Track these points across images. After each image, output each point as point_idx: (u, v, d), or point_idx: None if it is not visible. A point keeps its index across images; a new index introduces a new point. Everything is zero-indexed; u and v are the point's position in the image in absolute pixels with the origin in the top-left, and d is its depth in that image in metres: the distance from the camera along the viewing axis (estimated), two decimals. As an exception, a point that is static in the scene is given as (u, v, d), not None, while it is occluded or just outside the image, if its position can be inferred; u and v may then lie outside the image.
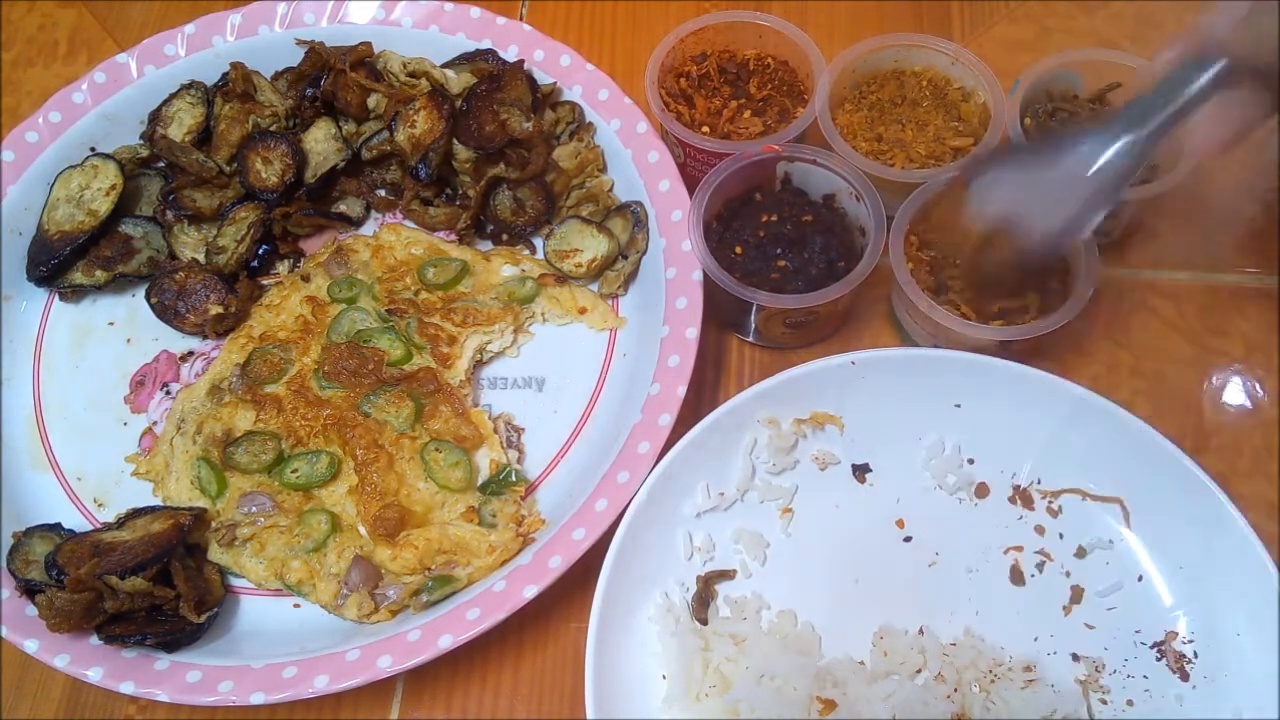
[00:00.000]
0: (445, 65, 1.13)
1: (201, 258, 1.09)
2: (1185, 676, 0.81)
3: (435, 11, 1.16)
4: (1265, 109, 0.75)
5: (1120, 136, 0.79)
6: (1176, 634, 0.83)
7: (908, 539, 0.88)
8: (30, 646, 0.87)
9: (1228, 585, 0.81)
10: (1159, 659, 0.82)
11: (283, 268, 1.11)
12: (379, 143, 1.11)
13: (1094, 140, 0.80)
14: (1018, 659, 0.82)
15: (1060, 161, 0.81)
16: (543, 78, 1.12)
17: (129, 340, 1.09)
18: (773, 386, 0.89)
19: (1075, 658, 0.83)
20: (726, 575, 0.87)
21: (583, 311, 1.04)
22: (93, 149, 1.14)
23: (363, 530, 0.93)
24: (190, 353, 1.08)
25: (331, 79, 1.13)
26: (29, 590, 0.89)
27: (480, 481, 0.95)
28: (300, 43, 1.16)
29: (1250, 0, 0.72)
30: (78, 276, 1.08)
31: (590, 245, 1.05)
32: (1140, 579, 0.85)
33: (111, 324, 1.10)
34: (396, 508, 0.92)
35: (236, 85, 1.13)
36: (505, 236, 1.10)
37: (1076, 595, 0.85)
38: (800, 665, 0.81)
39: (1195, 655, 0.82)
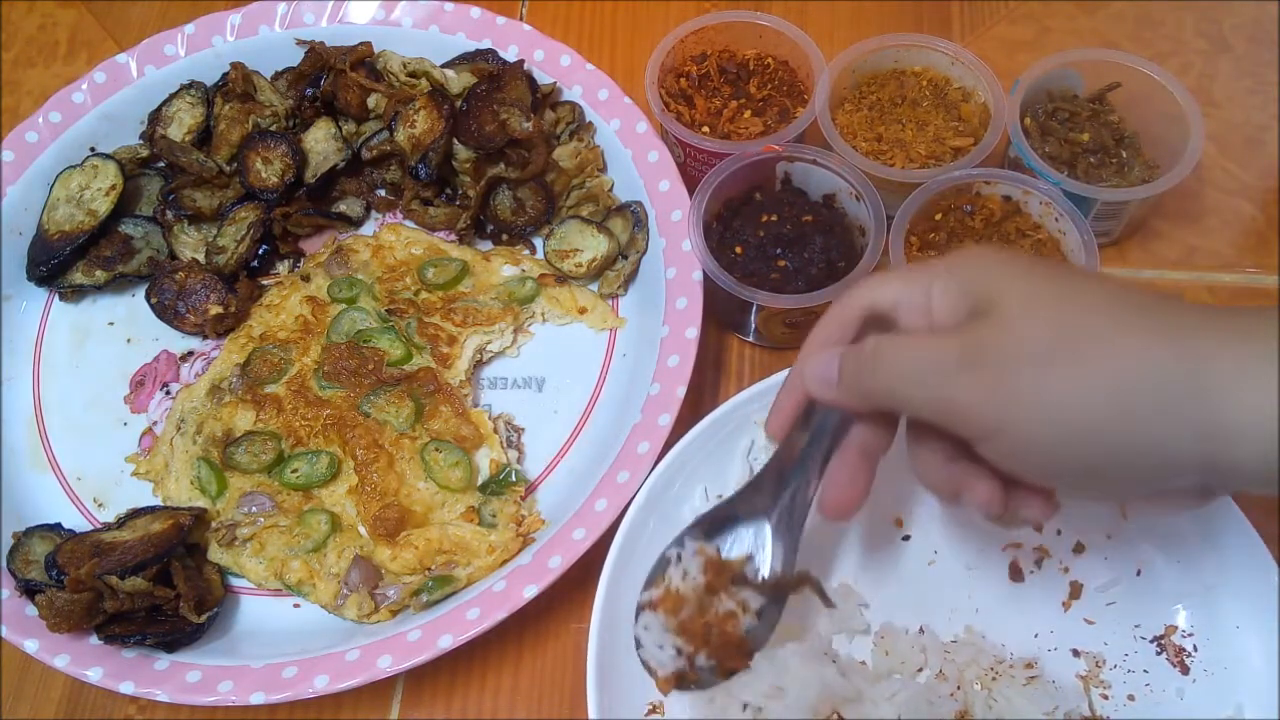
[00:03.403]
0: (445, 65, 1.13)
1: (201, 258, 1.09)
2: (1185, 670, 0.81)
3: (435, 11, 1.16)
4: (886, 441, 0.70)
5: (761, 526, 0.74)
6: (1176, 628, 0.82)
7: (906, 538, 0.88)
8: (30, 646, 0.87)
9: (1227, 579, 0.81)
10: (1159, 653, 0.82)
11: (283, 268, 1.11)
12: (379, 143, 1.11)
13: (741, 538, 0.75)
14: (1019, 656, 0.82)
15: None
16: (543, 78, 1.12)
17: (129, 340, 1.09)
18: (769, 387, 0.89)
19: (1075, 653, 0.83)
20: None
21: (583, 311, 1.04)
22: (93, 149, 1.14)
23: (363, 530, 0.93)
24: (190, 353, 1.08)
25: (331, 79, 1.13)
26: (29, 590, 0.89)
27: (480, 481, 0.95)
28: (300, 43, 1.16)
29: (830, 350, 0.67)
30: (78, 276, 1.08)
31: (590, 245, 1.05)
32: (1139, 573, 0.85)
33: (111, 324, 1.10)
34: (396, 508, 0.92)
35: (236, 85, 1.13)
36: (505, 236, 1.10)
37: (1075, 591, 0.85)
38: (808, 664, 0.81)
39: (1195, 649, 0.82)
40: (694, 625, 0.72)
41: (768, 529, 0.74)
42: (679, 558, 0.74)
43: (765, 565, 0.74)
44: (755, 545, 0.74)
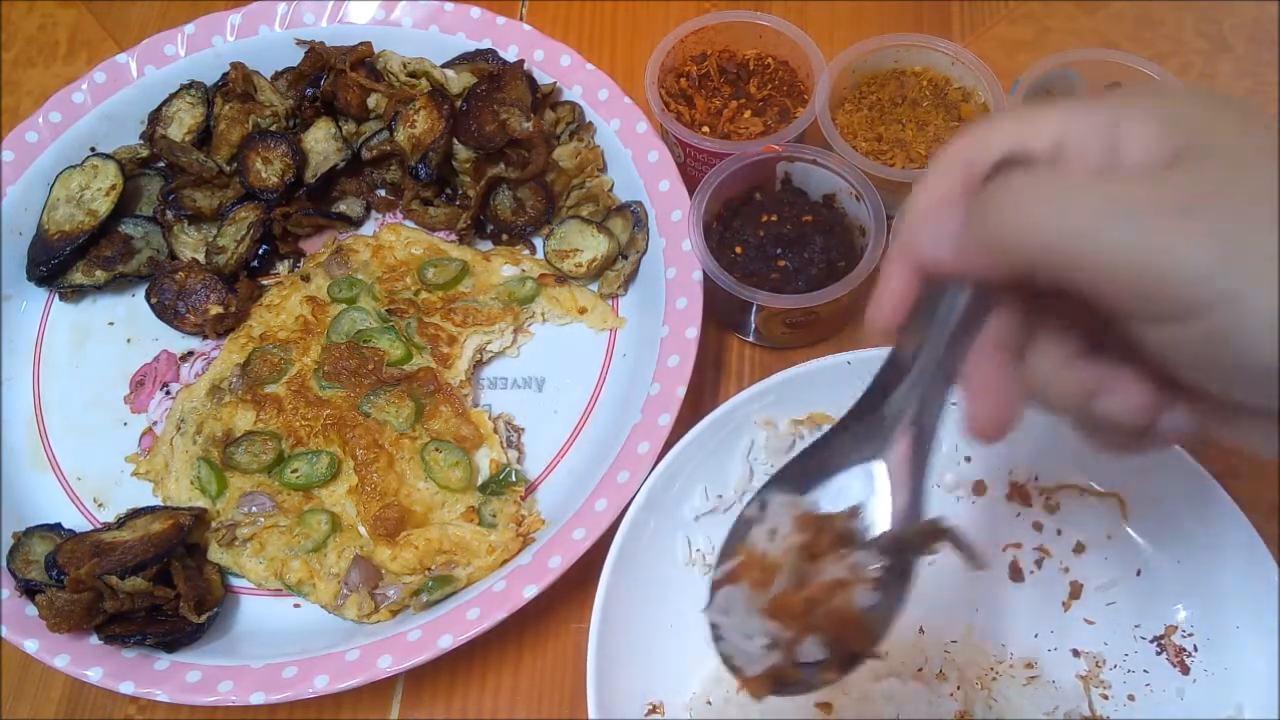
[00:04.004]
0: (445, 65, 1.13)
1: (201, 258, 1.09)
2: (1185, 670, 0.81)
3: (435, 11, 1.16)
4: (1022, 332, 0.53)
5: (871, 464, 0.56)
6: (1176, 628, 0.83)
7: (907, 538, 0.88)
8: (30, 646, 0.87)
9: (1227, 579, 0.81)
10: (1159, 653, 0.82)
11: (283, 268, 1.11)
12: (379, 143, 1.11)
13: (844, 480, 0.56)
14: (1019, 656, 0.82)
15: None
16: (543, 78, 1.12)
17: (129, 340, 1.09)
18: (769, 387, 0.89)
19: (1075, 653, 0.83)
20: None
21: (583, 311, 1.04)
22: (93, 149, 1.14)
23: (363, 530, 0.93)
24: (190, 353, 1.08)
25: (331, 79, 1.13)
26: (29, 590, 0.89)
27: (480, 481, 0.95)
28: (300, 43, 1.16)
29: (949, 208, 0.51)
30: (78, 276, 1.08)
31: (590, 245, 1.05)
32: (1139, 573, 0.85)
33: (111, 324, 1.10)
34: (396, 508, 0.92)
35: (236, 85, 1.13)
36: (505, 236, 1.10)
37: (1075, 591, 0.85)
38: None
39: (1195, 649, 0.82)
40: (792, 602, 0.53)
41: (881, 468, 0.55)
42: (763, 516, 0.56)
43: (881, 516, 0.55)
44: (865, 491, 0.55)
